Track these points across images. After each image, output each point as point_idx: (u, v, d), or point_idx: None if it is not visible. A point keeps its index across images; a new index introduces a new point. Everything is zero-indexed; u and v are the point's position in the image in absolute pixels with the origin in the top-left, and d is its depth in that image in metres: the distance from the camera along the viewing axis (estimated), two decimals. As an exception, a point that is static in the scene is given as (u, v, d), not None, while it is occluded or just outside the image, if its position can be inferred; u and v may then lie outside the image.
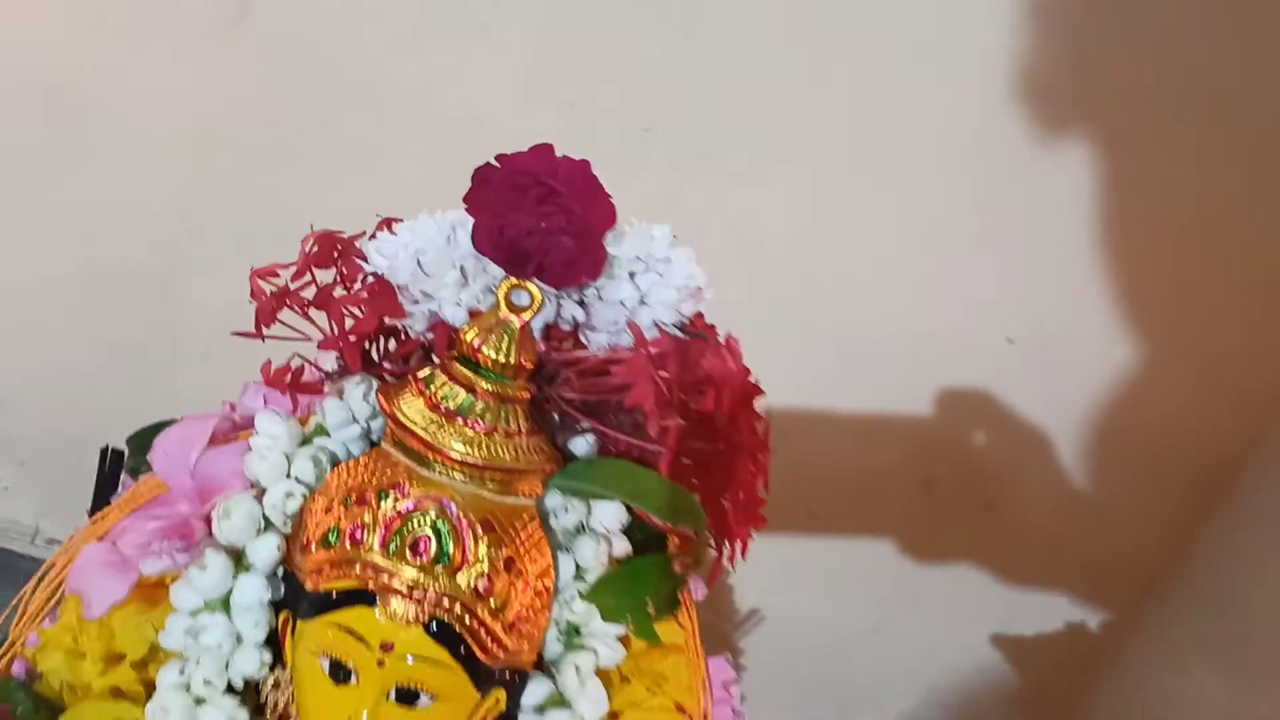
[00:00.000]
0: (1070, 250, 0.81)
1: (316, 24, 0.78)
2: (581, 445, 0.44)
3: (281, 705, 0.42)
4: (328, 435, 0.43)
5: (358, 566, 0.39)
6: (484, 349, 0.40)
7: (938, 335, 0.86)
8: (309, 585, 0.40)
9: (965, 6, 0.76)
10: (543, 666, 0.43)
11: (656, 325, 0.41)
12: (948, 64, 0.78)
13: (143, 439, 0.54)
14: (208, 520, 0.42)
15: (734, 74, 0.79)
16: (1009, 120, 0.78)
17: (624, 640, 0.44)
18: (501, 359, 0.40)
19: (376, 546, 0.39)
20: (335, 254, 0.43)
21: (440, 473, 0.40)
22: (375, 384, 0.44)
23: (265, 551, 0.41)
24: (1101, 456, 0.88)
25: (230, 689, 0.41)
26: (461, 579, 0.39)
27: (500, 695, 0.42)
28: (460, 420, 0.40)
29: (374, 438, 0.44)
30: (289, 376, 0.45)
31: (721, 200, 0.82)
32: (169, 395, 0.80)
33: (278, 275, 0.43)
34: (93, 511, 0.49)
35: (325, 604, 0.40)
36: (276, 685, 0.42)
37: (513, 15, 0.79)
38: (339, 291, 0.42)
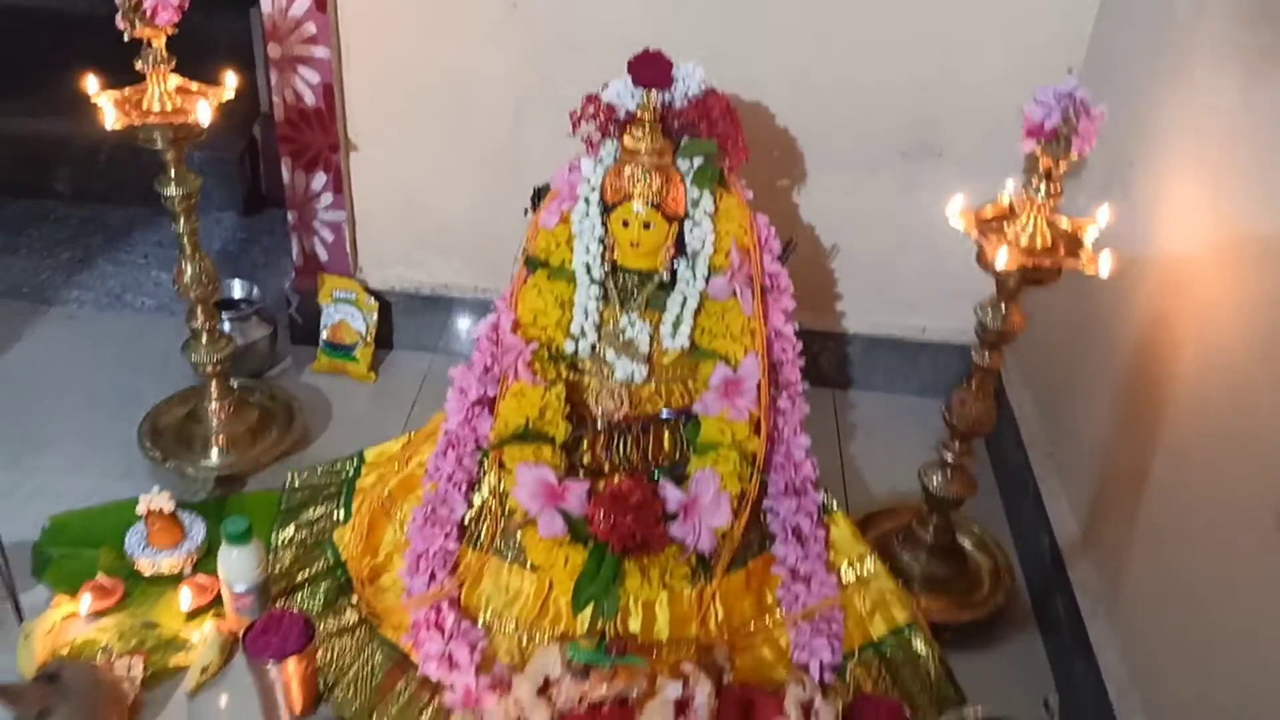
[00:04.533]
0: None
1: (558, 7, 1.64)
2: (683, 141, 1.31)
3: (611, 244, 1.33)
4: (604, 157, 1.33)
5: (623, 192, 1.29)
6: (644, 115, 1.27)
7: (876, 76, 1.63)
8: (609, 201, 1.30)
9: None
10: (687, 215, 1.31)
11: (695, 96, 1.27)
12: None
13: (538, 190, 1.45)
14: (576, 192, 1.33)
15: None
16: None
17: (714, 210, 1.32)
18: (650, 117, 1.27)
19: (627, 184, 1.28)
20: (594, 99, 1.32)
21: (640, 160, 1.28)
22: (615, 139, 1.32)
23: (595, 197, 1.32)
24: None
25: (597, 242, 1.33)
26: (653, 189, 1.28)
27: (675, 228, 1.31)
28: (642, 140, 1.27)
29: (617, 156, 1.32)
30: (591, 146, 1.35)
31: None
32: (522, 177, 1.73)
33: (576, 112, 1.32)
34: (534, 207, 1.41)
35: (615, 205, 1.30)
36: (609, 239, 1.33)
37: None
38: (592, 110, 1.31)
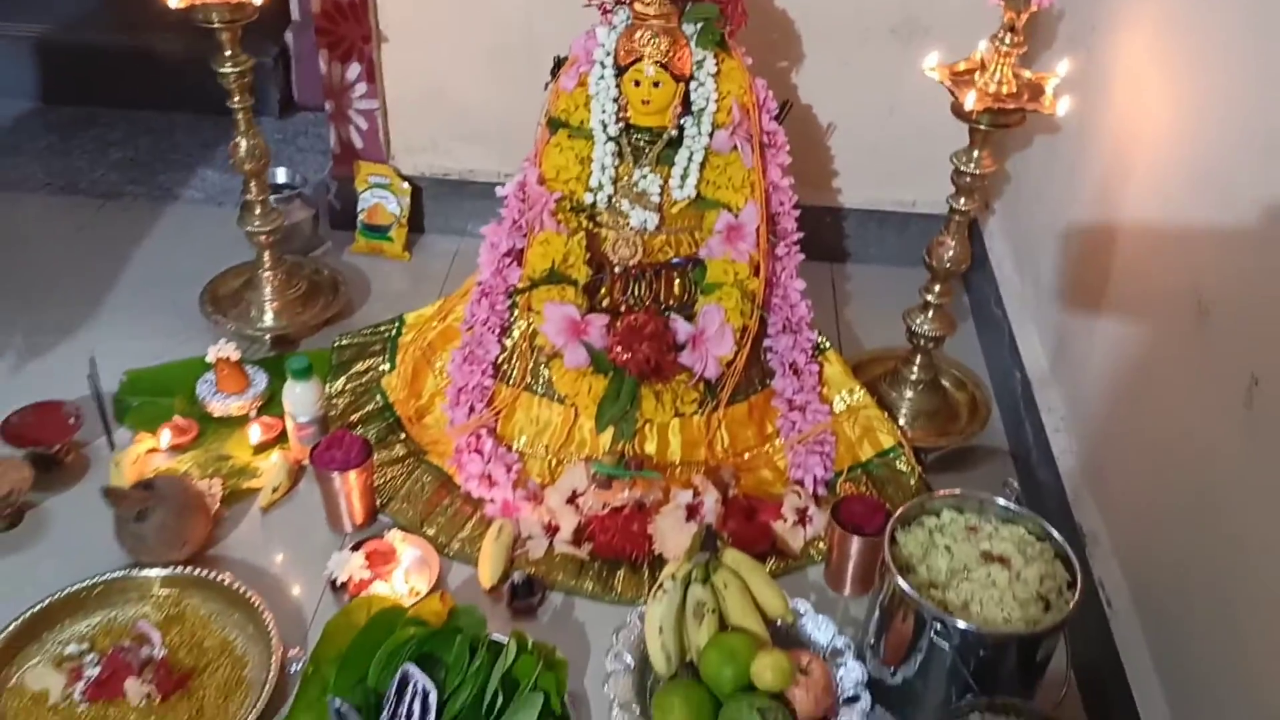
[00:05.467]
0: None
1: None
2: (688, 6, 1.46)
3: (624, 104, 1.48)
4: (616, 24, 1.47)
5: (634, 54, 1.44)
6: (653, -16, 1.42)
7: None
8: (621, 64, 1.45)
9: None
10: (692, 76, 1.46)
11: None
12: None
13: (558, 60, 1.60)
14: (592, 57, 1.48)
15: None
16: None
17: (716, 71, 1.46)
18: (659, -14, 1.42)
19: (637, 46, 1.43)
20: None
21: (649, 24, 1.43)
22: (627, 6, 1.47)
23: (609, 60, 1.47)
24: None
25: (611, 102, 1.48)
26: (661, 50, 1.43)
27: (682, 88, 1.46)
28: (651, 5, 1.42)
29: (629, 22, 1.47)
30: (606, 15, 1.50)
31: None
32: (539, 64, 1.87)
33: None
34: (554, 75, 1.56)
35: (628, 67, 1.45)
36: (622, 99, 1.49)
37: None
38: (609, -17, 1.46)
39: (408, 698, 1.20)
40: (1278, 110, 1.04)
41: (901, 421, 1.65)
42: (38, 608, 1.34)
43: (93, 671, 1.29)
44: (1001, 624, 1.16)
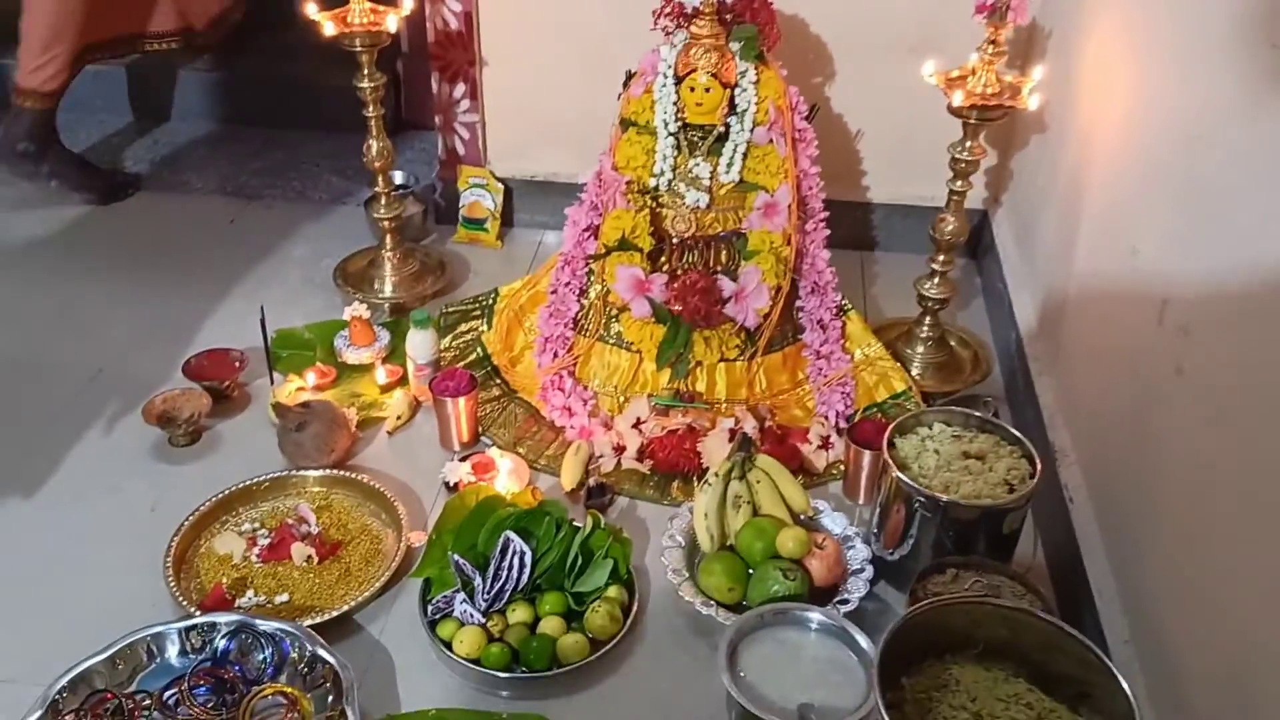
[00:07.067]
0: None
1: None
2: (733, 28, 1.82)
3: (681, 106, 1.84)
4: (676, 42, 1.84)
5: (690, 66, 1.80)
6: (705, 10, 1.78)
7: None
8: (680, 74, 1.82)
9: None
10: (736, 83, 1.82)
11: (741, -7, 1.79)
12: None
13: (629, 73, 1.97)
14: (656, 69, 1.85)
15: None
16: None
17: (756, 79, 1.82)
18: (709, 11, 1.78)
19: (693, 60, 1.80)
20: (669, 1, 1.83)
21: (702, 42, 1.79)
22: (684, 29, 1.84)
23: (670, 72, 1.83)
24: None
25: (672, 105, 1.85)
26: (712, 63, 1.79)
27: (728, 93, 1.82)
28: (704, 28, 1.79)
29: (686, 41, 1.83)
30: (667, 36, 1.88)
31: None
32: (611, 82, 2.24)
33: (657, 10, 1.84)
34: (625, 86, 1.93)
35: (685, 77, 1.81)
36: (680, 103, 1.85)
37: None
38: (668, 8, 1.83)
39: (509, 556, 1.55)
40: (1192, 110, 1.36)
41: (914, 372, 1.97)
42: (220, 495, 1.73)
43: (265, 540, 1.66)
44: (974, 500, 1.47)
